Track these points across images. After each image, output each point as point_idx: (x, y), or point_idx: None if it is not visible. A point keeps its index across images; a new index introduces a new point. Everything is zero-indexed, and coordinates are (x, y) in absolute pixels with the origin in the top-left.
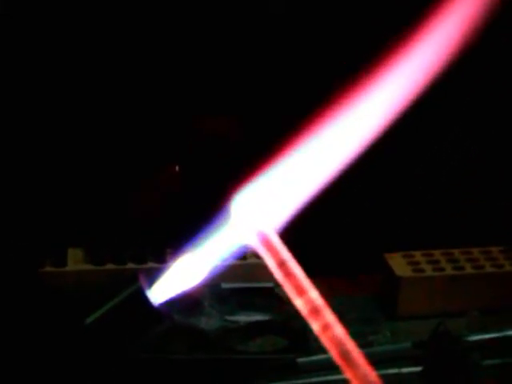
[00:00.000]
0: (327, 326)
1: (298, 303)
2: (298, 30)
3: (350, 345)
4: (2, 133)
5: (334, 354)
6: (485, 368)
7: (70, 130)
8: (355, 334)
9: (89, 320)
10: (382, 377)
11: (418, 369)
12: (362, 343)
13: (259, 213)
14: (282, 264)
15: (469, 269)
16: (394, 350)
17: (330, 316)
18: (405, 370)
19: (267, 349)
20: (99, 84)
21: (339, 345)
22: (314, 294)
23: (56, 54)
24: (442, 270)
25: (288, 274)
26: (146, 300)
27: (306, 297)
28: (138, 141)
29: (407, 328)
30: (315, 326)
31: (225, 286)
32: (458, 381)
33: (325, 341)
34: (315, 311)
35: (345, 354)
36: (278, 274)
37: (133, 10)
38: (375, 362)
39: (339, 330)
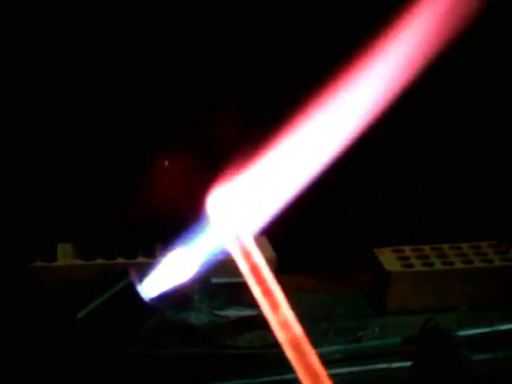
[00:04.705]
0: (293, 337)
1: (265, 308)
2: (294, 29)
3: (313, 356)
4: None
5: (295, 364)
6: (474, 363)
7: (60, 126)
8: (344, 329)
9: (79, 315)
10: (372, 372)
11: (408, 364)
12: (351, 338)
13: (237, 213)
14: (252, 267)
15: (458, 264)
16: (383, 345)
17: (297, 328)
18: (394, 364)
19: (257, 344)
20: (93, 81)
21: (302, 356)
22: (281, 300)
23: (54, 48)
24: (432, 265)
25: (259, 280)
26: (136, 295)
27: (272, 300)
28: (127, 136)
29: (397, 323)
30: (281, 337)
31: (215, 280)
32: (448, 376)
33: (288, 351)
34: (284, 323)
35: (307, 366)
36: (249, 279)
37: (133, 6)
38: (365, 356)
39: (305, 342)
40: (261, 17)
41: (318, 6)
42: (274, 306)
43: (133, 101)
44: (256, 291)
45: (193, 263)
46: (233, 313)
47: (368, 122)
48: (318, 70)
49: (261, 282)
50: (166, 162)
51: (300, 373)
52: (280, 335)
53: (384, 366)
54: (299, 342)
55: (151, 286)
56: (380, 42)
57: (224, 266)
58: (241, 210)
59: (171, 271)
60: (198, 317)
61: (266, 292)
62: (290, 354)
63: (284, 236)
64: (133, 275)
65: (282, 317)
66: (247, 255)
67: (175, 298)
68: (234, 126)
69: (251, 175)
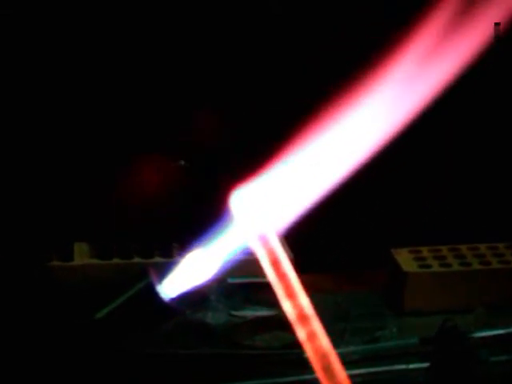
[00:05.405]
0: (313, 335)
1: (287, 306)
2: (297, 29)
3: (333, 357)
4: (5, 130)
5: (315, 364)
6: (492, 364)
7: (74, 126)
8: (362, 330)
9: (99, 314)
10: (389, 373)
11: (425, 365)
12: (368, 339)
13: (260, 211)
14: (276, 265)
15: (476, 265)
16: (401, 346)
17: (316, 325)
18: (412, 365)
19: (274, 344)
20: (96, 82)
21: (322, 356)
22: (304, 299)
23: (54, 48)
24: (449, 265)
25: (281, 276)
26: (156, 295)
27: (295, 301)
28: (143, 135)
29: (414, 324)
30: (301, 334)
31: (231, 280)
32: (466, 377)
33: (308, 350)
34: (303, 317)
35: (326, 366)
36: (271, 275)
37: (132, 7)
38: (382, 357)
39: (324, 340)
40: (261, 17)
41: (318, 6)
42: (296, 304)
43: (148, 99)
44: (278, 290)
45: (212, 264)
46: (250, 313)
47: (385, 124)
48: (318, 71)
49: (284, 280)
50: (182, 162)
51: (318, 372)
52: (300, 333)
53: (401, 366)
54: (319, 342)
55: (171, 287)
56: (385, 45)
57: (241, 266)
58: (264, 209)
59: (191, 272)
60: (214, 317)
61: (288, 290)
62: (309, 352)
63: (301, 236)
64: (153, 276)
65: (302, 314)
66: (271, 254)
67: (191, 298)
68: (256, 126)
69: (272, 176)
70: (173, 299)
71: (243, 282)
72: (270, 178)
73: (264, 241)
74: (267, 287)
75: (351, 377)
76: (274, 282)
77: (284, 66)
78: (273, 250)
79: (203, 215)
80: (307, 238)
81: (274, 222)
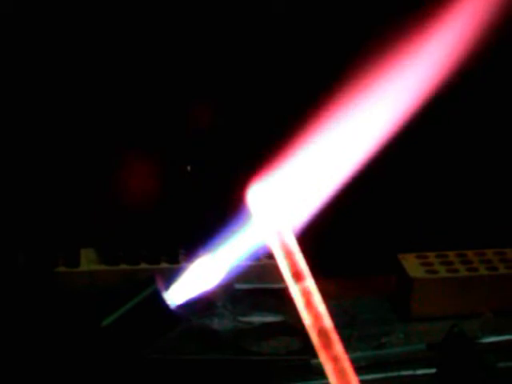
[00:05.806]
0: (318, 318)
1: (300, 306)
2: (301, 26)
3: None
4: (11, 135)
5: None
6: (499, 370)
7: (81, 132)
8: (368, 336)
9: (105, 322)
10: (396, 378)
11: (433, 370)
12: (375, 345)
13: (276, 210)
14: (289, 257)
15: (483, 270)
16: (408, 352)
17: (330, 325)
18: (419, 371)
19: (280, 350)
20: (98, 82)
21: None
22: (317, 296)
23: (54, 48)
24: (456, 271)
25: (299, 278)
26: (163, 302)
27: (303, 284)
28: (149, 140)
29: (420, 329)
30: (312, 333)
31: (238, 286)
32: (473, 383)
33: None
34: (318, 319)
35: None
36: (287, 277)
37: (130, 9)
38: (389, 363)
39: (336, 339)
40: (262, 16)
41: (320, 5)
42: (309, 304)
43: (157, 102)
44: (294, 289)
45: (219, 270)
46: (256, 319)
47: (391, 128)
48: (320, 70)
49: (300, 280)
50: (189, 167)
51: (330, 375)
52: (312, 331)
53: (408, 372)
54: (331, 338)
55: (177, 293)
56: (388, 45)
57: (247, 272)
58: (278, 207)
59: (197, 278)
60: (221, 323)
61: (305, 290)
62: (319, 350)
63: (308, 242)
64: (159, 282)
65: (316, 313)
66: (288, 252)
67: (198, 304)
68: (269, 124)
69: (280, 179)
70: (179, 305)
71: (250, 288)
72: (278, 180)
73: (279, 235)
74: (274, 293)
75: (360, 382)
76: (290, 283)
77: (286, 66)
78: (290, 249)
79: (210, 221)
80: (314, 243)
81: (287, 221)
